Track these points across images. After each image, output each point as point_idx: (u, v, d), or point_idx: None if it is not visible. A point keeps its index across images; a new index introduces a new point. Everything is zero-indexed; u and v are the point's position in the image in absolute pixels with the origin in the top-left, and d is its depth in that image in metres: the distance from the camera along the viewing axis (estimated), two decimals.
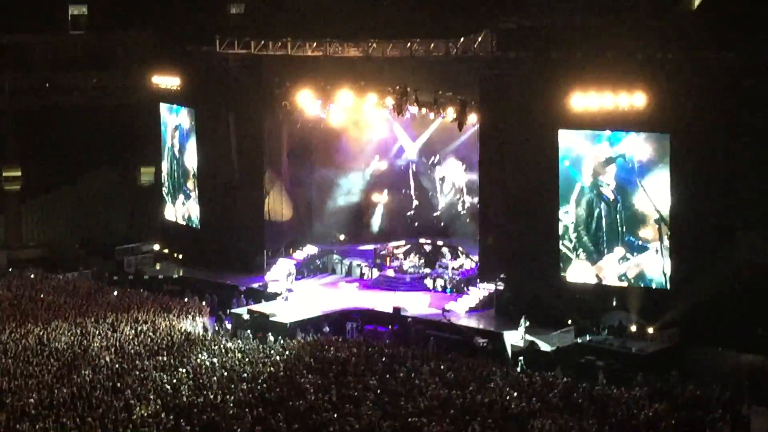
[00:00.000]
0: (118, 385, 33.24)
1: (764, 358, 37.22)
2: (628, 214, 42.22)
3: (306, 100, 51.68)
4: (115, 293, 48.92)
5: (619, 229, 42.39)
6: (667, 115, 40.53)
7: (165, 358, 37.11)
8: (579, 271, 43.44)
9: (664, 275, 41.72)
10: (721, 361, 37.52)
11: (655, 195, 41.64)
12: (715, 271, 40.15)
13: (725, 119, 40.17)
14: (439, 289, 49.72)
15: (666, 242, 41.54)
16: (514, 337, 41.41)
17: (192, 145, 56.74)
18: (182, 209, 58.35)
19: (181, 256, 57.25)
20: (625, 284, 42.53)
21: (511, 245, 45.11)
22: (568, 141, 43.13)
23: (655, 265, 41.88)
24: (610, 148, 42.34)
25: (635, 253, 42.17)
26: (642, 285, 42.18)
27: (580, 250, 43.36)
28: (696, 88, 39.98)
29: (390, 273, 51.85)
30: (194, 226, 57.51)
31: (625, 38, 41.54)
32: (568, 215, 43.39)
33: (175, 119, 58.19)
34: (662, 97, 40.40)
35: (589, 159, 42.81)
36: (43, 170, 63.30)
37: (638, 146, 41.81)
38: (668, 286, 41.62)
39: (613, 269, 42.72)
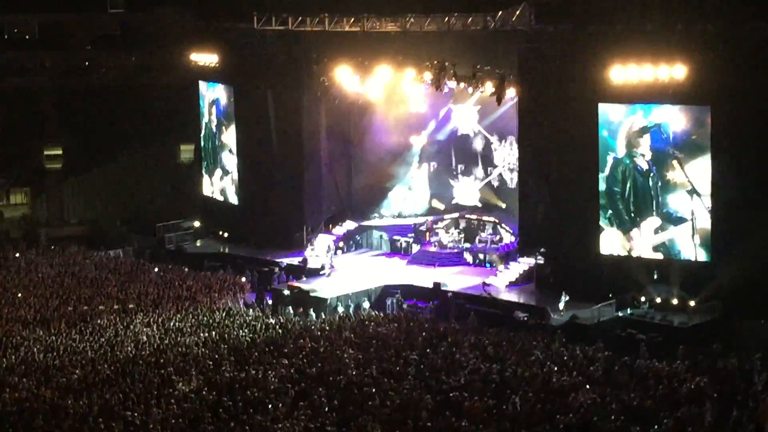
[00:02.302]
0: (161, 361, 33.52)
1: None
2: (662, 185, 42.01)
3: (344, 76, 51.59)
4: (156, 270, 49.30)
5: (655, 199, 42.17)
6: (708, 88, 40.09)
7: (206, 334, 37.38)
8: (610, 242, 43.27)
9: (695, 246, 41.50)
10: (764, 333, 37.27)
11: (688, 166, 41.40)
12: (757, 243, 39.88)
13: (766, 90, 39.72)
14: (479, 264, 49.70)
15: (698, 214, 41.31)
16: (555, 312, 41.42)
17: (230, 121, 56.95)
18: (219, 184, 58.62)
19: (221, 233, 57.49)
20: (660, 256, 42.30)
21: (550, 219, 44.99)
22: (605, 111, 42.92)
23: (686, 237, 41.72)
24: (644, 118, 42.12)
25: (673, 225, 41.93)
26: (673, 257, 41.94)
27: (614, 218, 43.17)
28: (736, 59, 39.48)
29: (430, 248, 51.85)
30: (233, 202, 57.76)
31: (664, 9, 41.14)
32: (602, 185, 43.21)
33: (212, 94, 58.40)
34: (702, 69, 39.95)
35: (624, 129, 42.55)
36: (84, 148, 63.79)
37: (673, 116, 41.53)
38: (709, 259, 41.39)
39: (647, 240, 42.52)
